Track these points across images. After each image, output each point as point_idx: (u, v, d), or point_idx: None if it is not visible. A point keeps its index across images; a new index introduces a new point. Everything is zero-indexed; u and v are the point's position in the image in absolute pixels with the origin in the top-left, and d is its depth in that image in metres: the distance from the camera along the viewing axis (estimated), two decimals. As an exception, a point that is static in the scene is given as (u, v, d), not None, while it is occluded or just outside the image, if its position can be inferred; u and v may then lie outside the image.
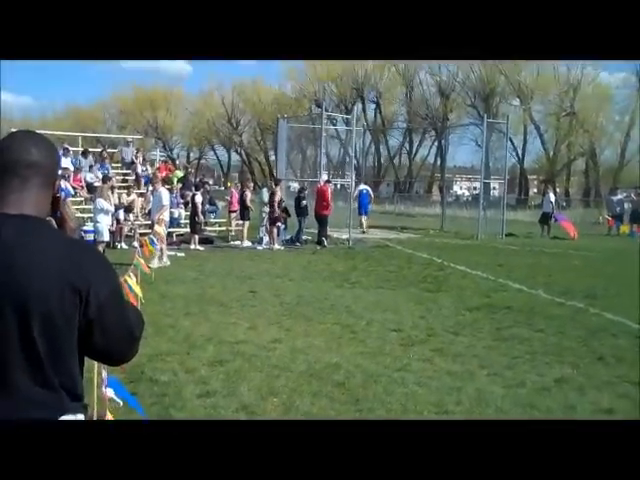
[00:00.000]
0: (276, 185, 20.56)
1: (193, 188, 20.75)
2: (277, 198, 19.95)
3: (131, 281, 7.34)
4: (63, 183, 18.99)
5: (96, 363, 3.19)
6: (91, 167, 22.47)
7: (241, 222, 21.13)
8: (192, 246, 19.21)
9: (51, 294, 1.92)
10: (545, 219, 26.80)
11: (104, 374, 4.44)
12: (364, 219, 25.81)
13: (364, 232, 24.95)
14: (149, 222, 17.58)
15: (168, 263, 15.15)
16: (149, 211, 18.63)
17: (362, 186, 26.20)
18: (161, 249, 14.96)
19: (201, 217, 19.67)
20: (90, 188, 20.94)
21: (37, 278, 1.92)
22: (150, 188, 18.73)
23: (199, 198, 19.63)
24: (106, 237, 15.89)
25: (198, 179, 25.36)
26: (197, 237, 19.53)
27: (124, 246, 18.63)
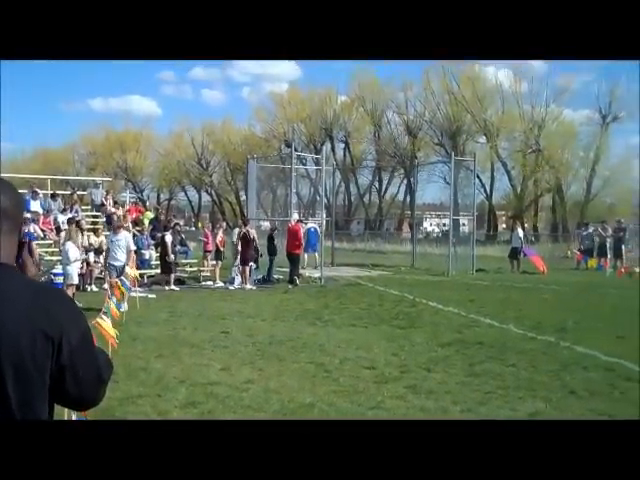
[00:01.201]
0: (245, 225, 20.58)
1: (162, 229, 20.72)
2: (252, 236, 20.00)
3: (105, 323, 7.29)
4: (32, 227, 18.84)
5: (66, 409, 3.15)
6: (64, 210, 22.31)
7: (214, 262, 21.11)
8: (166, 287, 19.19)
9: (22, 342, 1.90)
10: (514, 254, 27.06)
11: (74, 419, 4.39)
12: (316, 256, 25.43)
13: (316, 268, 24.49)
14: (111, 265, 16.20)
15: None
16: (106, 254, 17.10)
17: (310, 224, 25.93)
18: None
19: (172, 257, 19.61)
20: (60, 231, 20.77)
21: (8, 326, 1.89)
22: (111, 232, 17.36)
23: (169, 238, 19.60)
24: (75, 280, 15.72)
25: (168, 219, 25.22)
26: (173, 277, 19.61)
27: (94, 288, 18.46)
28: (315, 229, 25.90)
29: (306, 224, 25.16)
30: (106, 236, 20.36)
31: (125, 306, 13.88)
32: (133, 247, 16.15)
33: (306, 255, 25.11)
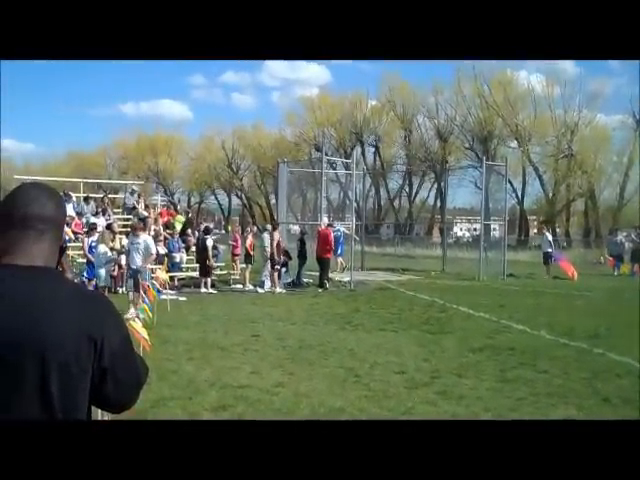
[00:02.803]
0: (274, 229, 20.64)
1: (202, 232, 20.84)
2: (275, 242, 20.05)
3: (137, 325, 7.35)
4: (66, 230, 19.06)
5: (99, 411, 3.20)
6: (96, 214, 22.53)
7: (244, 266, 21.22)
8: (203, 289, 19.45)
9: (67, 344, 1.93)
10: (547, 259, 26.87)
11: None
12: (340, 260, 25.56)
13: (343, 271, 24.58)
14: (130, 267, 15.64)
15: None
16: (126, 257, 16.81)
17: (339, 228, 25.83)
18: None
19: (212, 261, 19.86)
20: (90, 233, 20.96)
21: (54, 328, 1.93)
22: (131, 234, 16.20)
23: (210, 242, 19.85)
24: (107, 282, 15.89)
25: (198, 222, 25.35)
26: (210, 280, 19.84)
27: (125, 291, 18.60)
28: (341, 232, 25.78)
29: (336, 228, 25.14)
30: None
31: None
32: (154, 250, 15.60)
33: (339, 259, 25.15)
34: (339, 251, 24.82)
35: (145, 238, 15.40)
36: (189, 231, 22.82)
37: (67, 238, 19.42)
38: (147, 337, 7.52)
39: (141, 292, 12.71)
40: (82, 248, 18.77)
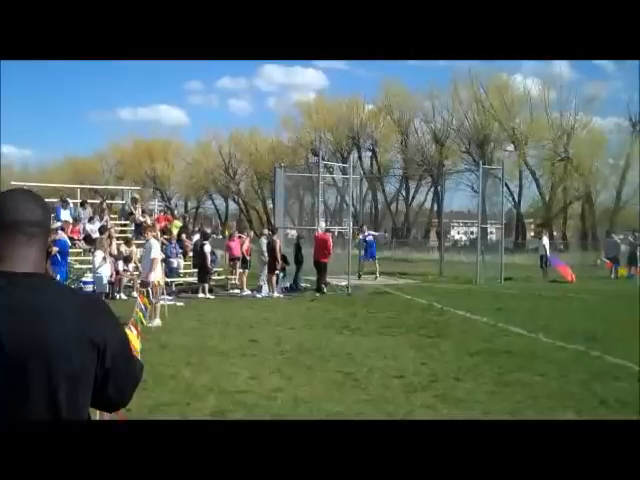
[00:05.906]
0: (273, 234, 20.65)
1: (200, 238, 20.82)
2: (277, 247, 20.05)
3: (131, 334, 7.31)
4: (60, 234, 18.97)
5: (98, 413, 3.21)
6: (91, 219, 22.50)
7: (241, 270, 21.22)
8: (201, 295, 19.43)
9: (73, 352, 1.95)
10: (544, 263, 26.91)
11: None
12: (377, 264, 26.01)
13: (376, 278, 25.18)
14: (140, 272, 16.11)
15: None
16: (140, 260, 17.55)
17: (367, 232, 26.42)
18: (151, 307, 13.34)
19: (210, 266, 19.83)
20: (88, 239, 20.95)
21: (58, 335, 1.94)
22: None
23: (208, 248, 19.84)
24: (105, 288, 15.85)
25: (200, 228, 25.27)
26: (207, 286, 19.82)
27: (123, 296, 18.59)
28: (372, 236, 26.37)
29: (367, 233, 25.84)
30: (136, 245, 20.38)
31: (158, 321, 13.56)
32: (153, 255, 14.46)
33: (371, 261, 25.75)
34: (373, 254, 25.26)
35: (150, 240, 14.82)
36: (183, 236, 22.78)
37: (68, 244, 19.37)
38: (138, 349, 7.45)
39: (137, 298, 12.63)
40: (79, 254, 18.76)
